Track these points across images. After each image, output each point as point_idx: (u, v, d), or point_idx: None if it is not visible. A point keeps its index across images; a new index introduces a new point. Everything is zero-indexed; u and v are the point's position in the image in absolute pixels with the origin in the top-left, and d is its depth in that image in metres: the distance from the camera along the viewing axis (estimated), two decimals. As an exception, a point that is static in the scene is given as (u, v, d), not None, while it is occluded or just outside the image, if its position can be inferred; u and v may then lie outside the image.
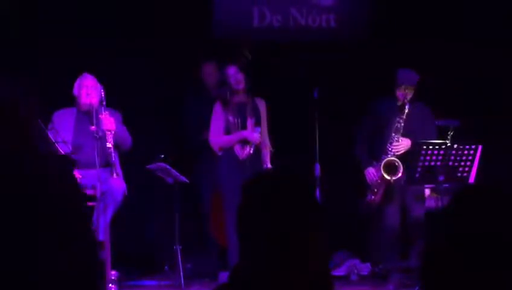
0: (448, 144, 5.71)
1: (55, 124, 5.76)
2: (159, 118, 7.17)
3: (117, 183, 5.69)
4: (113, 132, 5.75)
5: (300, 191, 1.76)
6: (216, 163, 6.32)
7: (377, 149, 6.18)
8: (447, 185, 5.74)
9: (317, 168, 6.24)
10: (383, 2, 7.41)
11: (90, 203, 5.55)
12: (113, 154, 5.73)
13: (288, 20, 7.51)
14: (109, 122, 5.75)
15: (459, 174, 5.73)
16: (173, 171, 6.25)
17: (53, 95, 5.84)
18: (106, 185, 5.61)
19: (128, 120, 6.05)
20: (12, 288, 1.87)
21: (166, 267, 6.60)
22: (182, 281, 6.15)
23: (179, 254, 6.20)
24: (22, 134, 2.06)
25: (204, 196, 6.94)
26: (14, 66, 6.14)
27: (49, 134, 5.48)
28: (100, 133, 5.71)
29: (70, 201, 2.04)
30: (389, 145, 6.07)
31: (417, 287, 5.57)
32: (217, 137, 6.17)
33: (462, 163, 5.71)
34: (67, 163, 2.19)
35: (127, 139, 5.96)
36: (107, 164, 5.72)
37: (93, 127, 5.72)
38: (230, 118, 6.14)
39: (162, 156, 6.31)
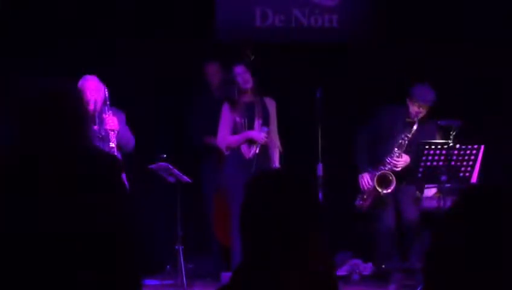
0: (451, 144, 5.70)
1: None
2: (161, 117, 7.18)
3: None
4: (116, 132, 5.75)
5: (302, 190, 1.76)
6: (218, 163, 6.32)
7: (377, 158, 6.18)
8: (449, 185, 5.73)
9: (320, 168, 6.24)
10: (385, 2, 7.41)
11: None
12: (116, 154, 5.73)
13: (290, 21, 7.51)
14: (112, 122, 5.74)
15: (462, 174, 5.73)
16: (175, 170, 6.25)
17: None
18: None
19: (130, 120, 6.05)
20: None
21: (168, 267, 6.60)
22: (185, 281, 6.15)
23: (181, 254, 6.21)
24: (79, 131, 2.02)
25: (207, 196, 6.94)
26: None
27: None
28: (103, 133, 5.71)
29: (121, 204, 2.02)
30: (389, 158, 6.06)
31: (419, 288, 5.57)
32: (224, 137, 6.17)
33: (465, 163, 5.71)
34: (118, 164, 2.16)
35: (130, 139, 5.95)
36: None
37: (96, 126, 5.72)
38: (238, 118, 6.15)
39: (164, 155, 6.30)
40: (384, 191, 6.04)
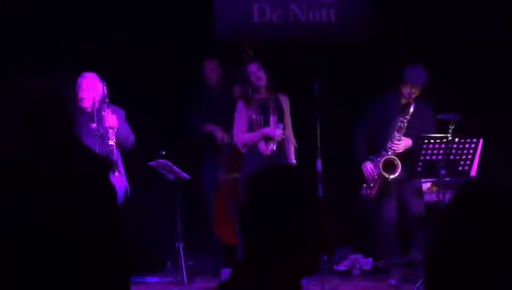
0: (450, 138, 5.70)
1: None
2: (160, 114, 7.17)
3: (119, 181, 5.69)
4: (115, 130, 5.74)
5: (302, 186, 1.76)
6: (218, 160, 6.31)
7: (378, 145, 6.19)
8: (448, 179, 5.74)
9: (319, 164, 6.25)
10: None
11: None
12: (115, 151, 5.73)
13: (288, 16, 7.51)
14: (111, 119, 5.74)
15: (461, 168, 5.73)
16: (175, 167, 6.26)
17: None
18: (108, 183, 5.59)
19: (129, 117, 6.05)
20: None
21: (168, 264, 6.61)
22: (185, 278, 6.16)
23: (181, 251, 6.21)
24: (72, 132, 2.01)
25: (206, 193, 6.95)
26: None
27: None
28: (101, 131, 5.71)
29: (112, 204, 2.02)
30: (390, 142, 6.07)
31: (420, 282, 5.58)
32: (241, 135, 6.21)
33: (464, 157, 5.71)
34: (109, 165, 2.15)
35: (129, 137, 5.94)
36: (108, 162, 5.71)
37: (94, 124, 5.71)
38: (253, 116, 6.19)
39: (164, 152, 6.31)
40: (391, 176, 6.04)
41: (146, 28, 7.15)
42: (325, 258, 6.62)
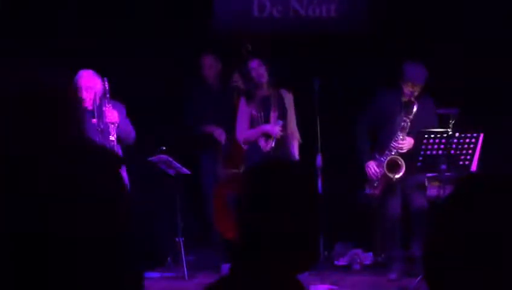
0: (450, 133, 5.70)
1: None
2: (160, 110, 7.17)
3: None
4: (116, 125, 5.74)
5: (301, 181, 1.76)
6: (217, 155, 6.31)
7: (380, 144, 6.17)
8: (449, 173, 5.73)
9: (319, 159, 6.25)
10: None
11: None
12: (115, 147, 5.72)
13: (288, 11, 7.50)
14: (112, 115, 5.73)
15: (461, 163, 5.72)
16: (175, 163, 6.26)
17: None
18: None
19: (130, 112, 6.04)
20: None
21: (169, 259, 6.61)
22: (186, 273, 6.17)
23: (182, 246, 6.22)
24: (79, 127, 1.99)
25: (206, 188, 6.95)
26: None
27: None
28: (102, 126, 5.70)
29: (124, 203, 2.01)
30: (393, 142, 6.05)
31: (420, 276, 5.58)
32: (242, 132, 6.24)
33: (464, 151, 5.70)
34: (120, 160, 2.12)
35: (130, 132, 5.93)
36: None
37: (95, 120, 5.71)
38: (254, 112, 6.21)
39: (164, 148, 6.31)
40: (397, 176, 6.03)
41: (146, 25, 7.13)
42: (325, 253, 6.63)
